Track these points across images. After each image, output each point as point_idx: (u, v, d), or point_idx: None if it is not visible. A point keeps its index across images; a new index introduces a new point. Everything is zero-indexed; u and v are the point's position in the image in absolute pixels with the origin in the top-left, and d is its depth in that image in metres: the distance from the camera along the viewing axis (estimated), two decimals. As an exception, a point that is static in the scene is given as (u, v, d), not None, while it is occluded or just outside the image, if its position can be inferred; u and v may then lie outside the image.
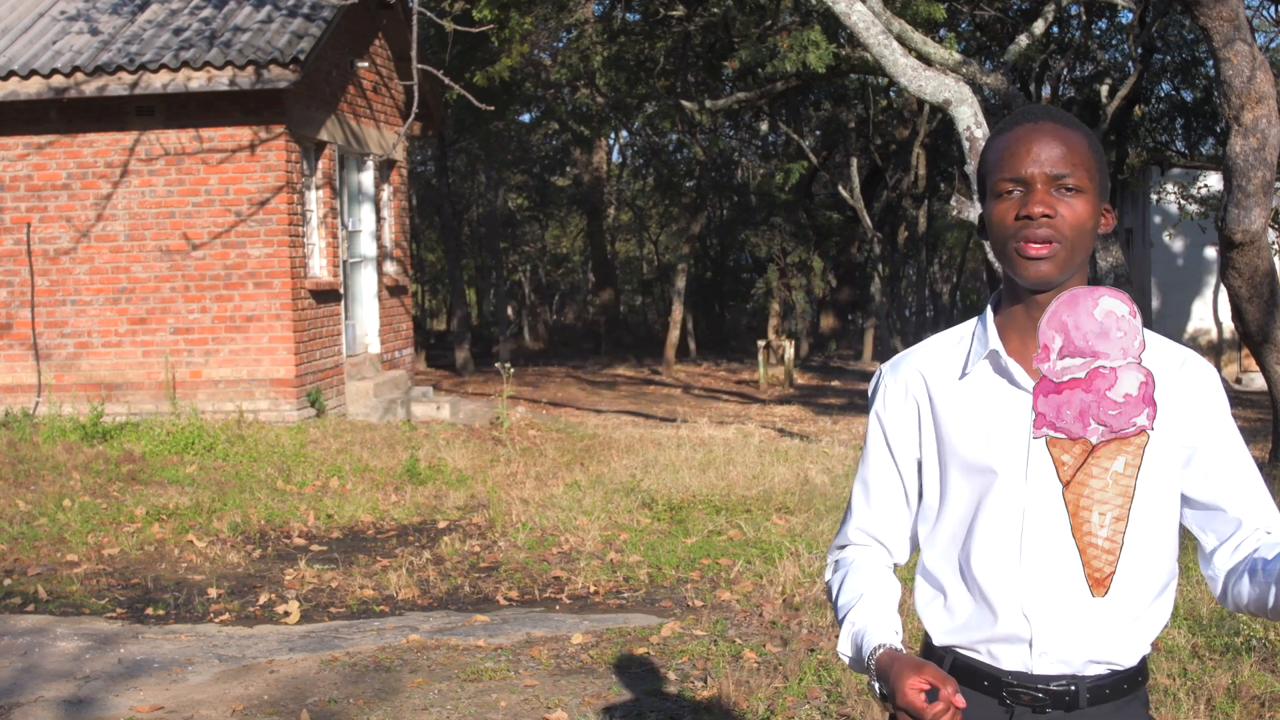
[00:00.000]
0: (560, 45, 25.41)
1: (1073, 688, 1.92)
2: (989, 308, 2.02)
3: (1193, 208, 19.19)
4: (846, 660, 1.99)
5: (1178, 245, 21.24)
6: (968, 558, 1.97)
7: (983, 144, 10.30)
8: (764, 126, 28.05)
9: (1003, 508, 1.94)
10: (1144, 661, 1.98)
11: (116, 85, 11.72)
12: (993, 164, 1.94)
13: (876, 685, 1.90)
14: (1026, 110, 1.97)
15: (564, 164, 32.87)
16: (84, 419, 11.24)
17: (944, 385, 2.01)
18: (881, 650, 1.91)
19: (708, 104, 19.80)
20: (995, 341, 1.96)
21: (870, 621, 1.97)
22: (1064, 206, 1.88)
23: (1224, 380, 20.23)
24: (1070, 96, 23.70)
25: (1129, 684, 1.95)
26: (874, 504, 2.09)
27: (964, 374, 1.99)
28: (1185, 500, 1.97)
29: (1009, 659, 1.94)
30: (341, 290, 13.58)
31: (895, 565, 2.12)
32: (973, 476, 1.96)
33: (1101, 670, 1.93)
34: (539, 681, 5.15)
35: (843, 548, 2.14)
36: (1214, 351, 21.39)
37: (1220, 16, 8.60)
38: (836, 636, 2.03)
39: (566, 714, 4.75)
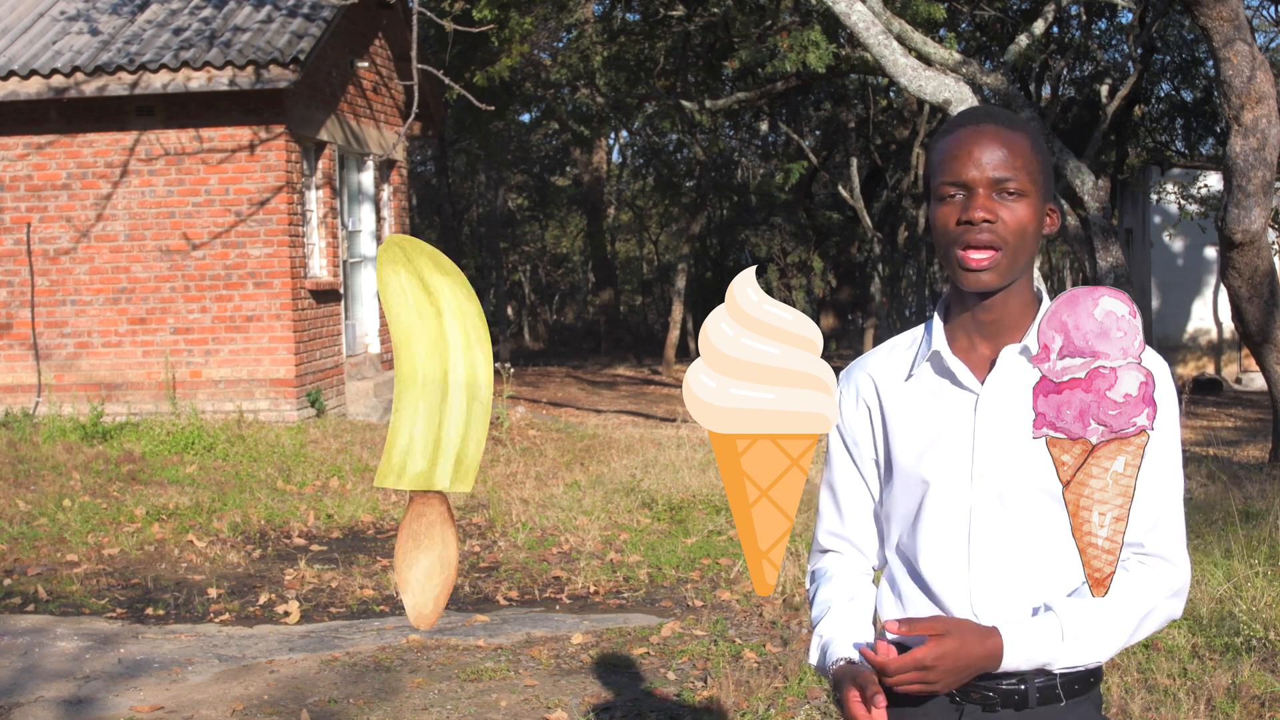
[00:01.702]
0: (560, 45, 25.42)
1: (1022, 687, 1.92)
2: (937, 310, 2.03)
3: (1193, 208, 19.20)
4: (817, 671, 2.04)
5: (1178, 245, 21.24)
6: (915, 558, 1.98)
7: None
8: (764, 126, 28.06)
9: (948, 509, 1.94)
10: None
11: (116, 85, 11.72)
12: (935, 166, 1.94)
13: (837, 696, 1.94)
14: (969, 112, 1.97)
15: (564, 164, 32.89)
16: (84, 419, 11.24)
17: (891, 388, 2.02)
18: (839, 664, 1.94)
19: (708, 104, 19.80)
20: (940, 342, 1.97)
21: (835, 634, 1.99)
22: (1005, 211, 1.88)
23: (1224, 380, 20.20)
24: (1070, 96, 23.71)
25: (1079, 684, 1.95)
26: (843, 508, 2.10)
27: (909, 376, 2.00)
28: None
29: None
30: (341, 290, 13.58)
31: (875, 568, 2.13)
32: (917, 478, 1.97)
33: (1053, 670, 1.93)
34: (539, 681, 5.15)
35: (821, 553, 2.15)
36: (1214, 351, 21.39)
37: (1220, 16, 8.60)
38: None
39: (566, 714, 4.75)
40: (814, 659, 2.02)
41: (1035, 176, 1.90)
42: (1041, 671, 1.92)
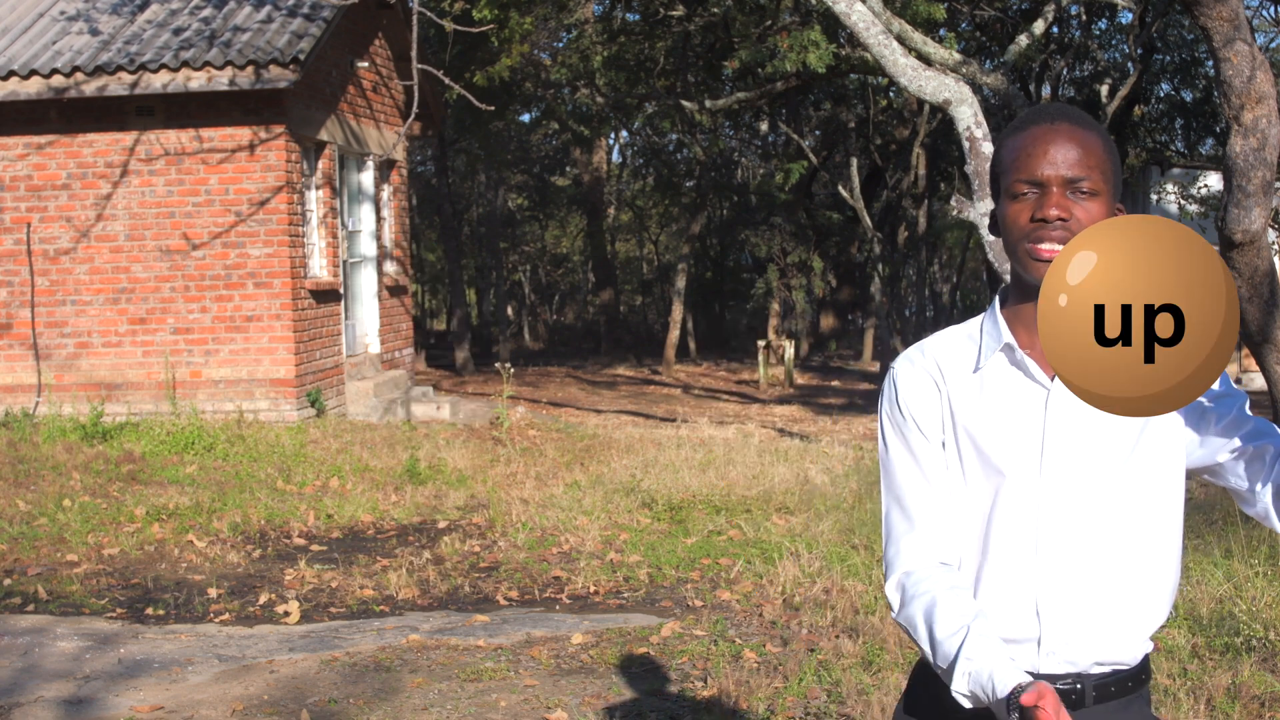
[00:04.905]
0: (560, 45, 25.42)
1: (1079, 686, 1.94)
2: (996, 302, 2.02)
3: (1193, 208, 19.20)
4: (965, 701, 1.85)
5: (1178, 245, 21.21)
6: (985, 551, 1.96)
7: (983, 144, 10.26)
8: (764, 126, 28.06)
9: (1019, 502, 1.94)
10: (1146, 660, 2.00)
11: (116, 85, 11.73)
12: (1008, 164, 1.93)
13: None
14: (1042, 109, 1.96)
15: (564, 164, 32.88)
16: (84, 419, 11.23)
17: (959, 378, 2.00)
18: (1028, 690, 1.74)
19: (708, 104, 19.80)
20: (1008, 335, 1.96)
21: (994, 661, 1.82)
22: (1079, 210, 1.88)
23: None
24: (1070, 96, 23.70)
25: (1133, 682, 1.97)
26: (926, 513, 1.98)
27: (978, 367, 1.98)
28: (1216, 465, 1.94)
29: (1017, 658, 1.94)
30: (341, 290, 13.58)
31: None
32: (989, 470, 1.96)
33: (1106, 670, 1.95)
34: (539, 681, 5.15)
35: (907, 573, 1.98)
36: (1214, 351, 21.37)
37: (1220, 16, 8.60)
38: (943, 671, 1.88)
39: (566, 714, 4.75)
40: (962, 687, 1.84)
41: (1107, 176, 1.91)
42: (1097, 669, 1.93)
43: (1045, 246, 1.87)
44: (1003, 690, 1.77)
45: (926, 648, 1.91)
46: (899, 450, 2.02)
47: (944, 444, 2.00)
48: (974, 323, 2.05)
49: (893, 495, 2.02)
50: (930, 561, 1.97)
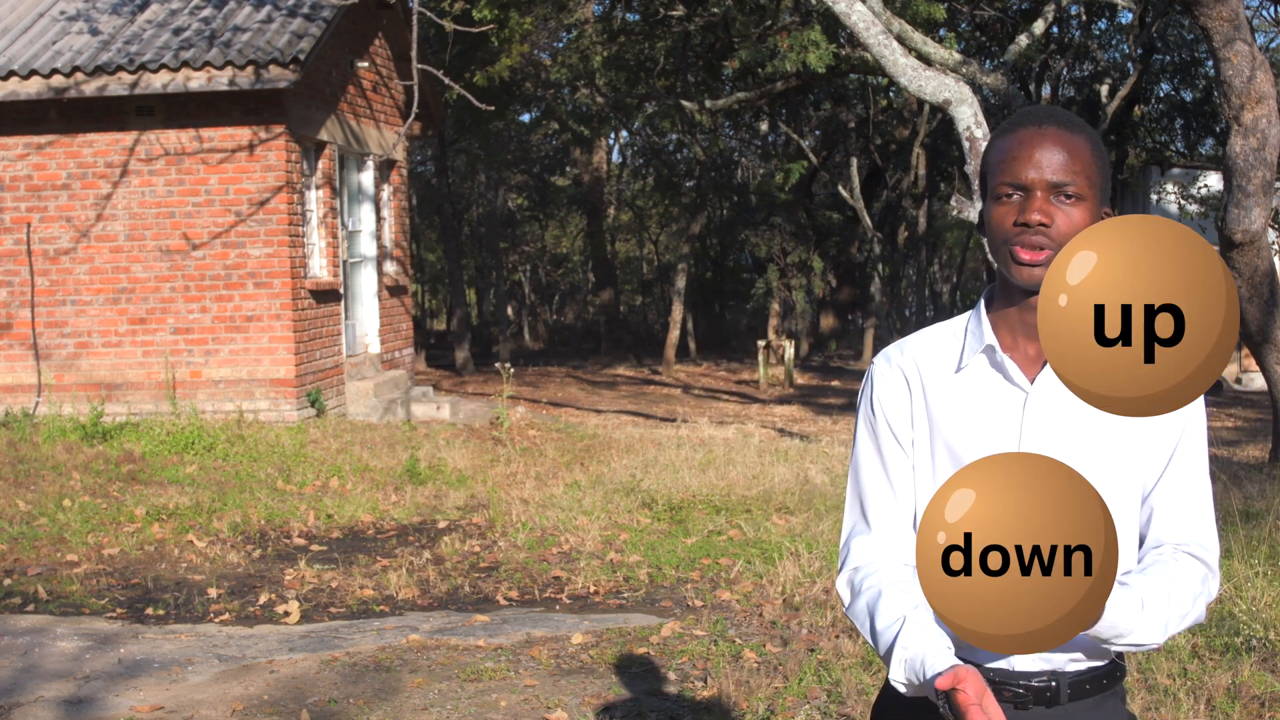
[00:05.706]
0: (560, 45, 25.43)
1: (1054, 684, 1.94)
2: (981, 302, 2.02)
3: (1193, 208, 19.22)
4: (902, 689, 1.87)
5: (1178, 245, 21.19)
6: None
7: (983, 144, 10.25)
8: (764, 126, 28.07)
9: None
10: (1120, 656, 2.00)
11: (116, 85, 11.73)
12: (994, 165, 1.93)
13: (948, 710, 1.78)
14: (1031, 111, 1.95)
15: (564, 164, 32.88)
16: (84, 419, 11.24)
17: (938, 378, 2.00)
18: (944, 673, 1.76)
19: (708, 104, 19.81)
20: (990, 336, 1.96)
21: (926, 646, 1.83)
22: (1061, 215, 1.87)
23: (1224, 380, 20.24)
24: (1070, 96, 23.72)
25: (1108, 679, 1.97)
26: (885, 518, 2.00)
27: (960, 368, 1.98)
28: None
29: (991, 656, 1.93)
30: (341, 290, 13.58)
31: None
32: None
33: (1081, 667, 1.95)
34: (539, 681, 5.15)
35: (856, 568, 2.01)
36: (1214, 351, 21.34)
37: (1220, 16, 8.60)
38: (884, 660, 1.90)
39: (566, 714, 4.75)
40: (898, 676, 1.85)
41: (1094, 180, 1.90)
42: (1072, 665, 1.93)
43: (1025, 251, 1.87)
44: (930, 674, 1.79)
45: (870, 639, 1.94)
46: (868, 449, 2.04)
47: (914, 443, 2.01)
48: (959, 321, 2.05)
49: (856, 494, 2.04)
50: (881, 560, 1.99)
